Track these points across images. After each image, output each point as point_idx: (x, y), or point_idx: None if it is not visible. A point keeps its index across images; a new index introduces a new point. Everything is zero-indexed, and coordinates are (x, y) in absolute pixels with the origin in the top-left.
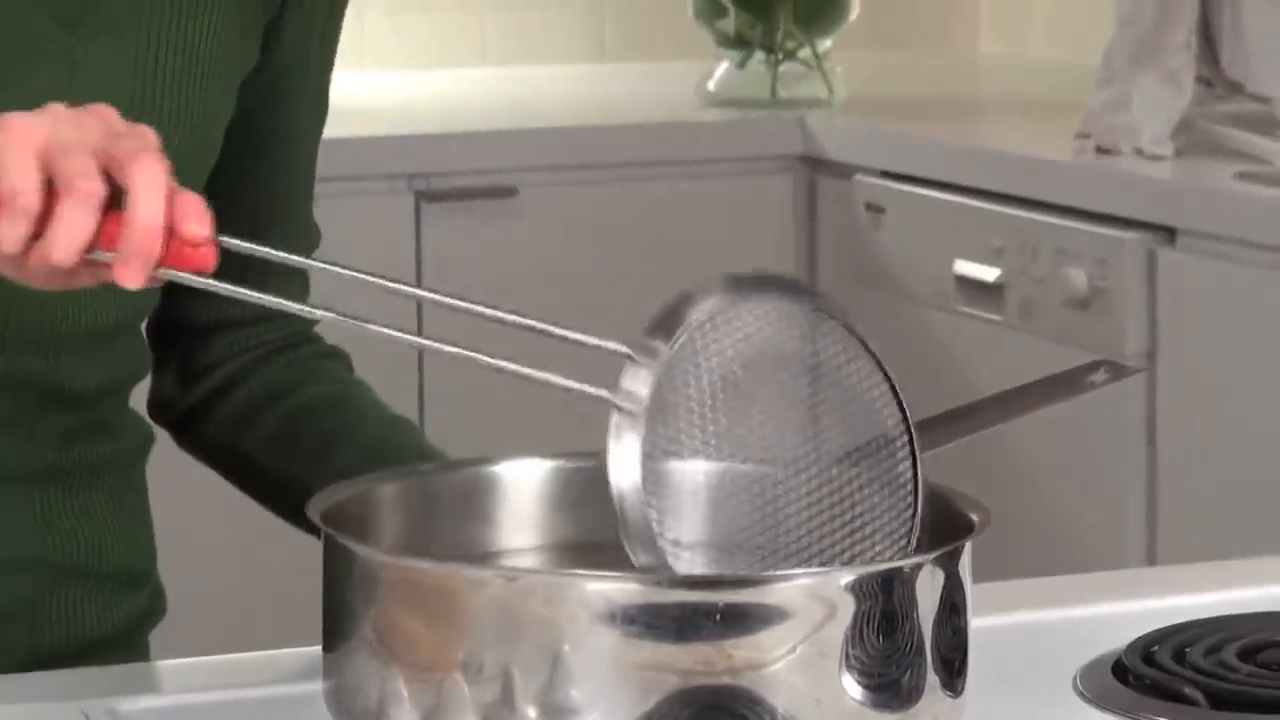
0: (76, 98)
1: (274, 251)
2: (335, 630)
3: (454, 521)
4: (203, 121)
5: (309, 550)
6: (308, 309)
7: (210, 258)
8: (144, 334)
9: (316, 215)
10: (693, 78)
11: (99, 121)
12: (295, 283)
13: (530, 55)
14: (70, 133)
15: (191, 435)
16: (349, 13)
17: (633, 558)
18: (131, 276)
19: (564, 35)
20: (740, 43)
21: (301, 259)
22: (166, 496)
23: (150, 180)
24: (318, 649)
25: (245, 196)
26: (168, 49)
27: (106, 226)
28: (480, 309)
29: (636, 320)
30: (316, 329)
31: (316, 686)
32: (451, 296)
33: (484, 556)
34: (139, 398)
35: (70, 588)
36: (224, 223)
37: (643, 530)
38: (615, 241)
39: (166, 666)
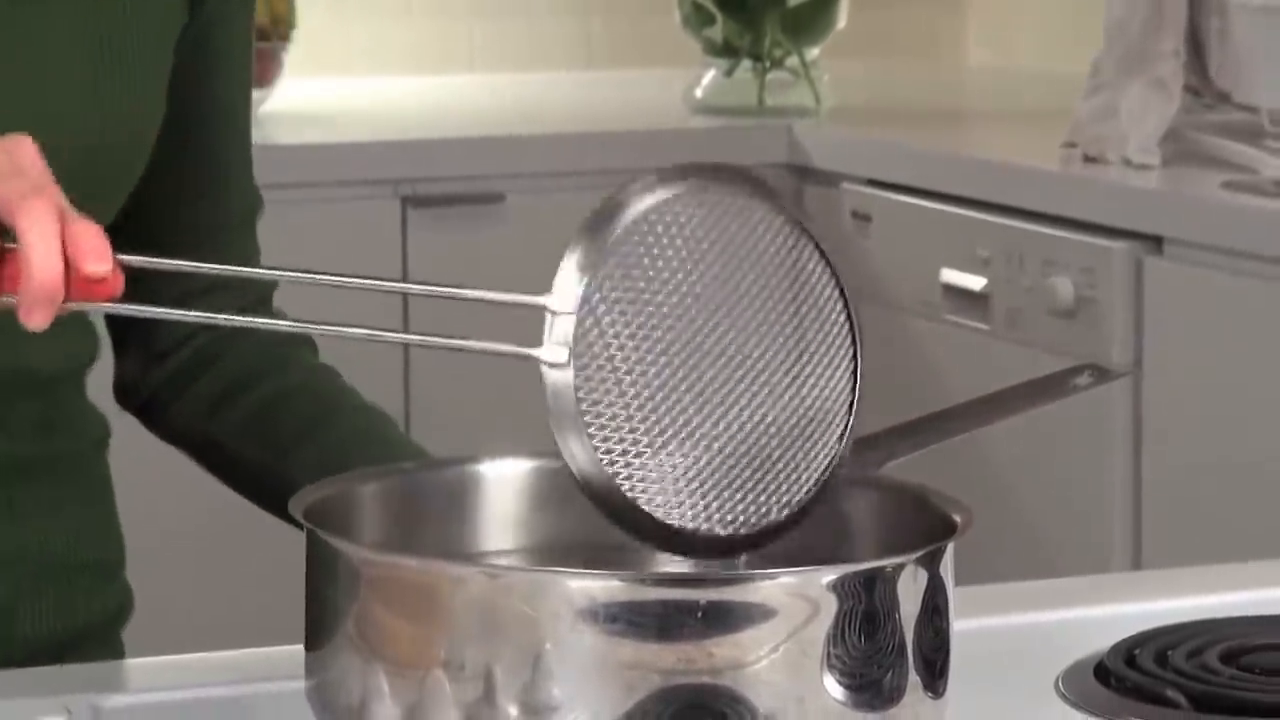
0: (23, 69)
1: (179, 262)
2: (318, 628)
3: (437, 519)
4: (148, 88)
5: (277, 543)
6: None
7: (116, 287)
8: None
9: (303, 220)
10: (680, 85)
11: None
12: (234, 252)
13: (518, 62)
14: None
15: (159, 419)
16: (334, 20)
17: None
18: (38, 321)
19: (552, 42)
20: (728, 51)
21: (209, 266)
22: (128, 491)
23: (40, 228)
24: (300, 647)
25: (184, 161)
26: (111, 16)
27: (6, 269)
28: (387, 284)
29: None
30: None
31: (299, 684)
32: (358, 277)
33: (467, 554)
34: (94, 389)
35: (46, 584)
36: (166, 189)
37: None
38: None
39: (149, 663)
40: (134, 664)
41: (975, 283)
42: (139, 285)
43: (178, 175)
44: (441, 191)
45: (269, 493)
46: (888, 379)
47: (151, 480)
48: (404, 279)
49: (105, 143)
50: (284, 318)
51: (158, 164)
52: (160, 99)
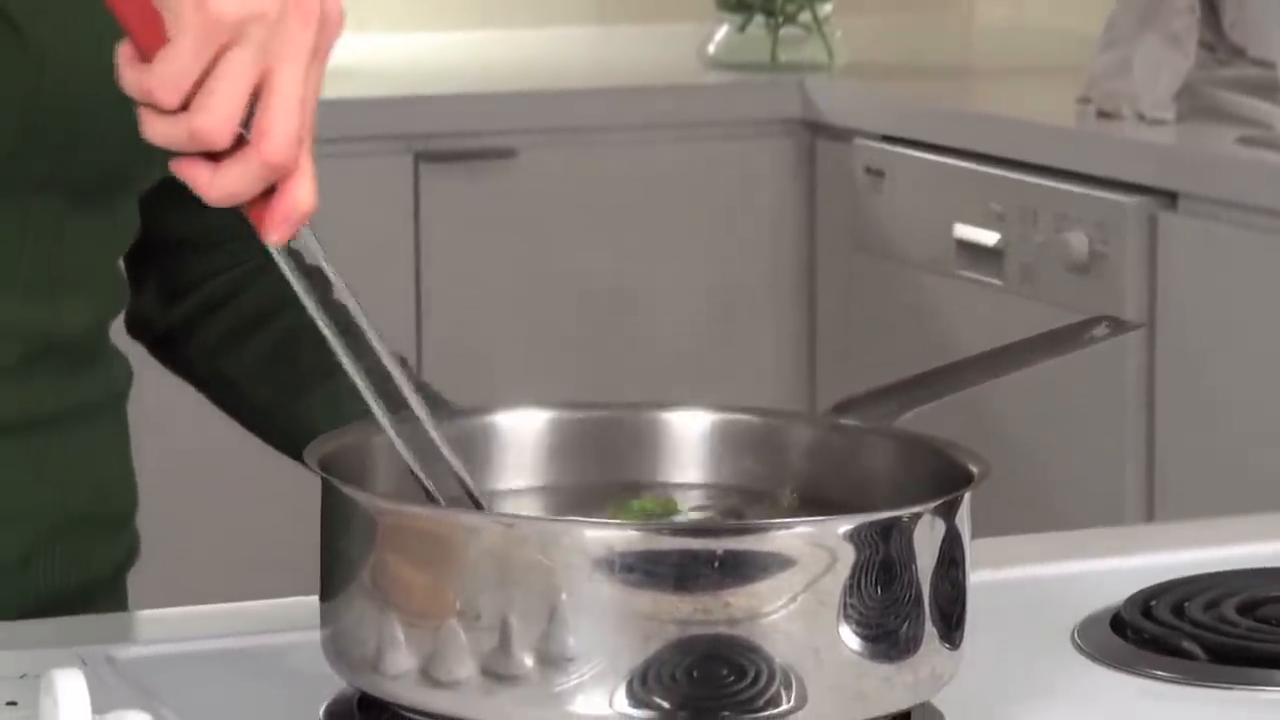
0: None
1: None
2: (332, 578)
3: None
4: None
5: (286, 489)
6: None
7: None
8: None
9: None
10: (693, 41)
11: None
12: None
13: (531, 17)
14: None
15: (172, 354)
16: None
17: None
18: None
19: None
20: (740, 6)
21: None
22: (137, 432)
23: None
24: (314, 597)
25: None
26: None
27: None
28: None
29: (631, 280)
30: None
31: (314, 634)
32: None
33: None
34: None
35: (67, 536)
36: None
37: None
38: (613, 204)
39: (163, 614)
40: (148, 615)
41: (989, 238)
42: (163, 225)
43: None
44: (454, 147)
45: (280, 433)
46: (900, 333)
47: (162, 421)
48: (416, 234)
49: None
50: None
51: None
52: None
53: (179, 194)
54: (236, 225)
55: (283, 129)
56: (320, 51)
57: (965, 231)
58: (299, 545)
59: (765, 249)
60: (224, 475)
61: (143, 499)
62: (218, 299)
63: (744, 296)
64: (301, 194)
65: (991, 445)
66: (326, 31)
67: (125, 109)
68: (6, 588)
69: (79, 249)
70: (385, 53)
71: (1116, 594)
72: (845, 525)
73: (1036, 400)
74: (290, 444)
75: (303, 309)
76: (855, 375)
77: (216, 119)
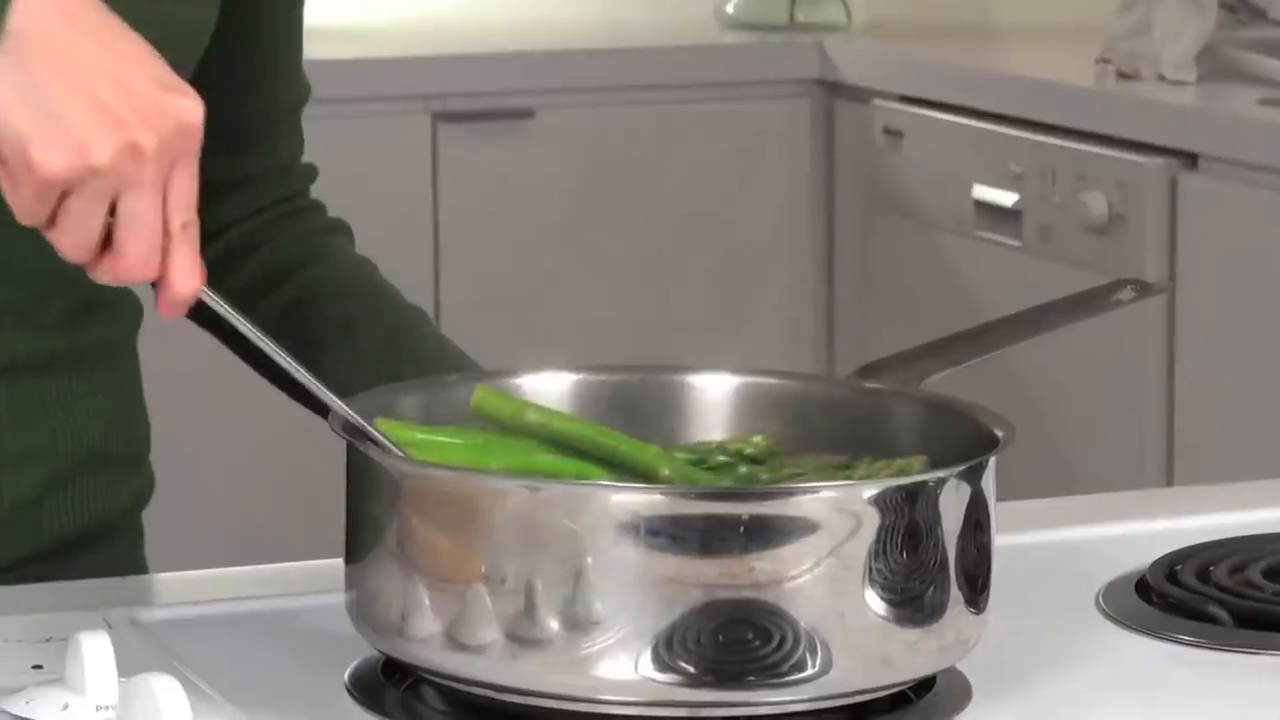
0: None
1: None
2: (358, 541)
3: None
4: None
5: (299, 433)
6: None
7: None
8: None
9: (334, 136)
10: (711, 1)
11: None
12: (283, 145)
13: None
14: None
15: (196, 305)
16: None
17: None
18: (168, 314)
19: None
20: None
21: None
22: (155, 373)
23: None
24: (339, 560)
25: (236, 49)
26: None
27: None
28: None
29: (649, 241)
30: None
31: (338, 597)
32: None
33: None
34: None
35: (80, 474)
36: (217, 78)
37: None
38: (631, 164)
39: (188, 577)
40: (172, 577)
41: (1007, 199)
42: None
43: (229, 63)
44: (471, 107)
45: (299, 386)
46: (918, 295)
47: (190, 368)
48: (434, 195)
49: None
50: (324, 210)
51: (208, 52)
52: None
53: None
54: (252, 170)
55: (132, 251)
56: (182, 158)
57: (984, 192)
58: (312, 499)
59: (783, 210)
60: (242, 421)
61: (165, 444)
62: (239, 250)
63: (762, 257)
64: (178, 284)
65: (1010, 408)
66: (184, 138)
67: None
68: (21, 525)
69: None
70: (403, 12)
71: (1141, 558)
72: (871, 490)
73: (1055, 362)
74: (312, 399)
75: (326, 262)
76: (873, 337)
77: (70, 248)
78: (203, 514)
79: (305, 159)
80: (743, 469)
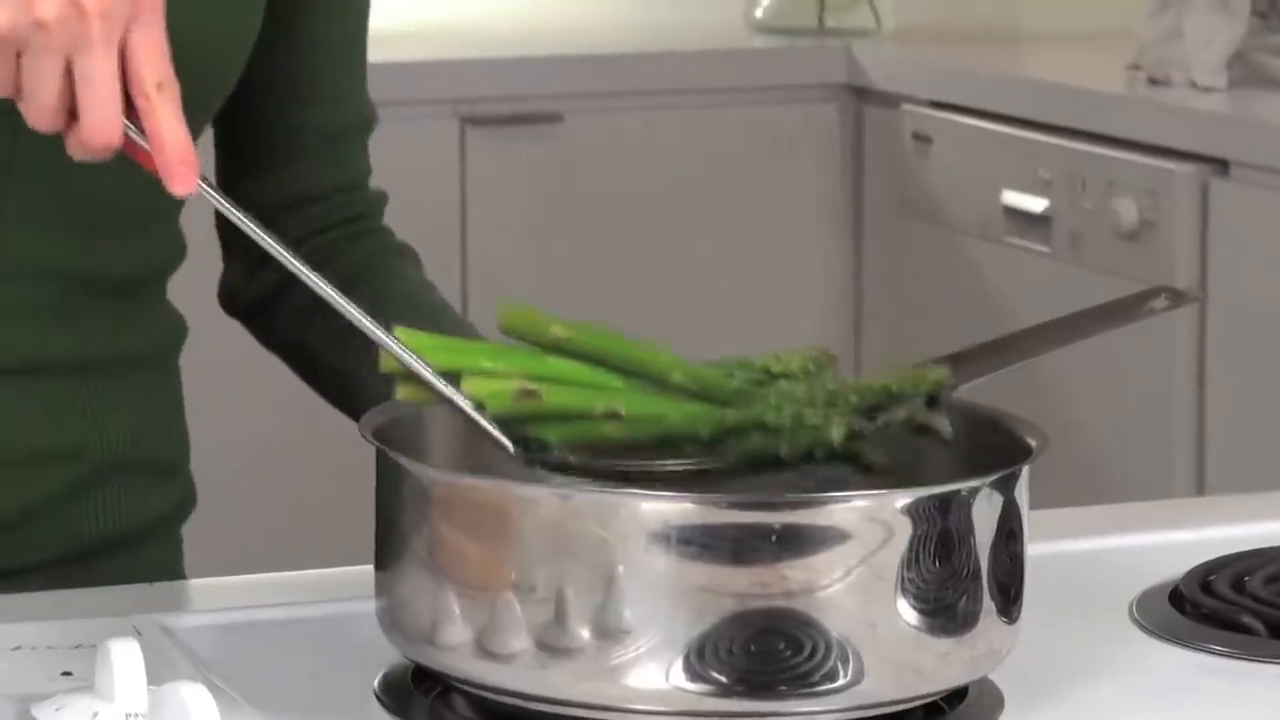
0: None
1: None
2: (388, 548)
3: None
4: None
5: (339, 448)
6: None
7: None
8: (180, 224)
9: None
10: (740, 5)
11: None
12: (348, 167)
13: None
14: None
15: (260, 327)
16: None
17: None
18: (182, 186)
19: None
20: None
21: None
22: (199, 389)
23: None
24: (369, 567)
25: (291, 65)
26: None
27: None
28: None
29: (677, 245)
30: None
31: (368, 605)
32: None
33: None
34: (175, 290)
35: (109, 479)
36: (273, 94)
37: None
38: (659, 168)
39: (218, 583)
40: (202, 583)
41: (1037, 205)
42: (245, 186)
43: (284, 79)
44: (500, 111)
45: (359, 406)
46: (947, 300)
47: (240, 385)
48: (462, 199)
49: (195, 34)
50: (392, 235)
51: (262, 70)
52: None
53: (256, 160)
54: (319, 186)
55: (89, 114)
56: (140, 19)
57: (1013, 198)
58: (357, 511)
59: (812, 215)
60: (287, 438)
61: (207, 458)
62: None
63: (790, 263)
64: (169, 145)
65: (1038, 416)
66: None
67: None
68: (51, 525)
69: (118, 191)
70: (432, 16)
71: (1174, 568)
72: (903, 499)
73: (1084, 370)
74: (354, 406)
75: (386, 281)
76: (901, 342)
77: (34, 115)
78: (242, 527)
79: None
80: (770, 392)
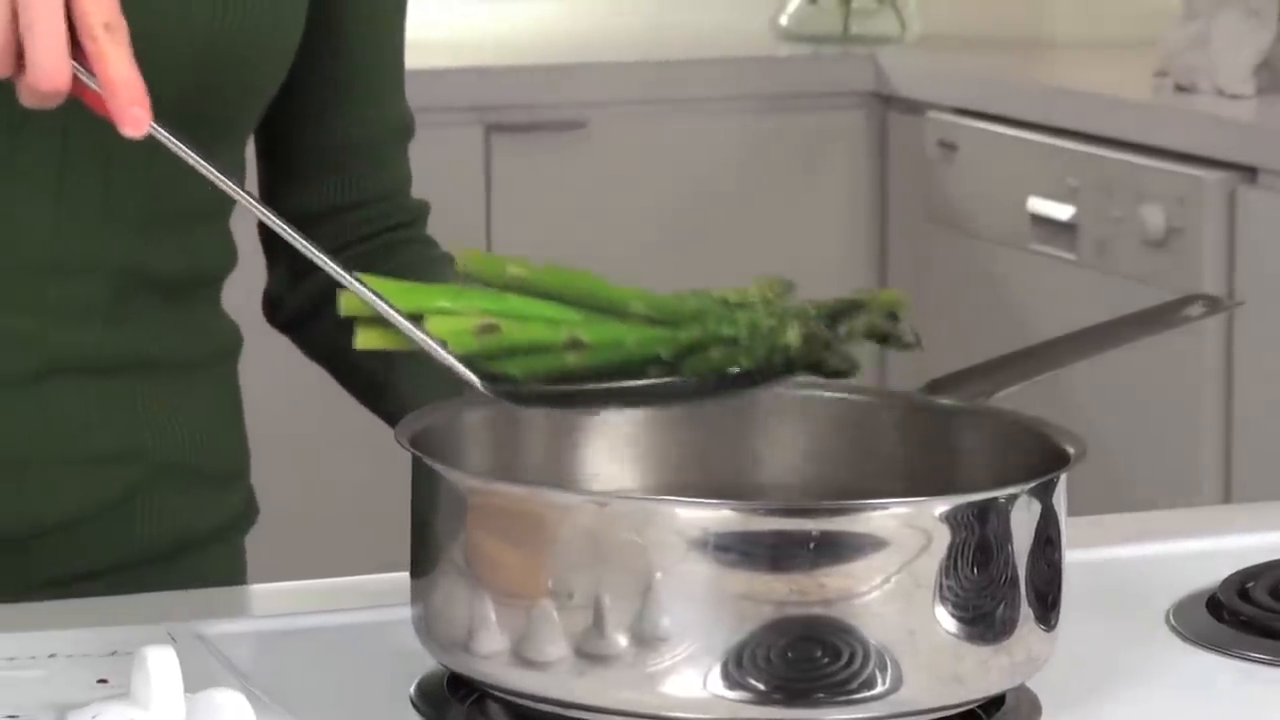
0: None
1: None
2: (423, 555)
3: (544, 446)
4: None
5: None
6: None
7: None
8: (230, 229)
9: None
10: (766, 13)
11: None
12: (387, 173)
13: None
14: None
15: (303, 336)
16: None
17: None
18: (134, 128)
19: None
20: None
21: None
22: (263, 400)
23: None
24: (405, 574)
25: (333, 74)
26: None
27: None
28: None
29: (702, 253)
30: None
31: (403, 612)
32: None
33: (575, 481)
34: (230, 300)
35: (165, 484)
36: (311, 104)
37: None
38: (684, 176)
39: (253, 590)
40: (238, 590)
41: (1063, 212)
42: (287, 195)
43: (326, 88)
44: (524, 118)
45: (396, 414)
46: (972, 308)
47: (299, 394)
48: (487, 206)
49: (235, 42)
50: (435, 244)
51: (302, 77)
52: (297, 6)
53: (297, 170)
54: (359, 194)
55: (36, 60)
56: None
57: (1039, 205)
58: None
59: (837, 222)
60: (345, 447)
61: (266, 467)
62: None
63: (815, 269)
64: (120, 87)
65: (1064, 423)
66: None
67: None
68: (110, 530)
69: (166, 189)
70: (457, 23)
71: (1211, 575)
72: (942, 506)
73: (1112, 377)
74: (388, 409)
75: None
76: (926, 350)
77: None
78: (301, 538)
79: None
80: (721, 320)
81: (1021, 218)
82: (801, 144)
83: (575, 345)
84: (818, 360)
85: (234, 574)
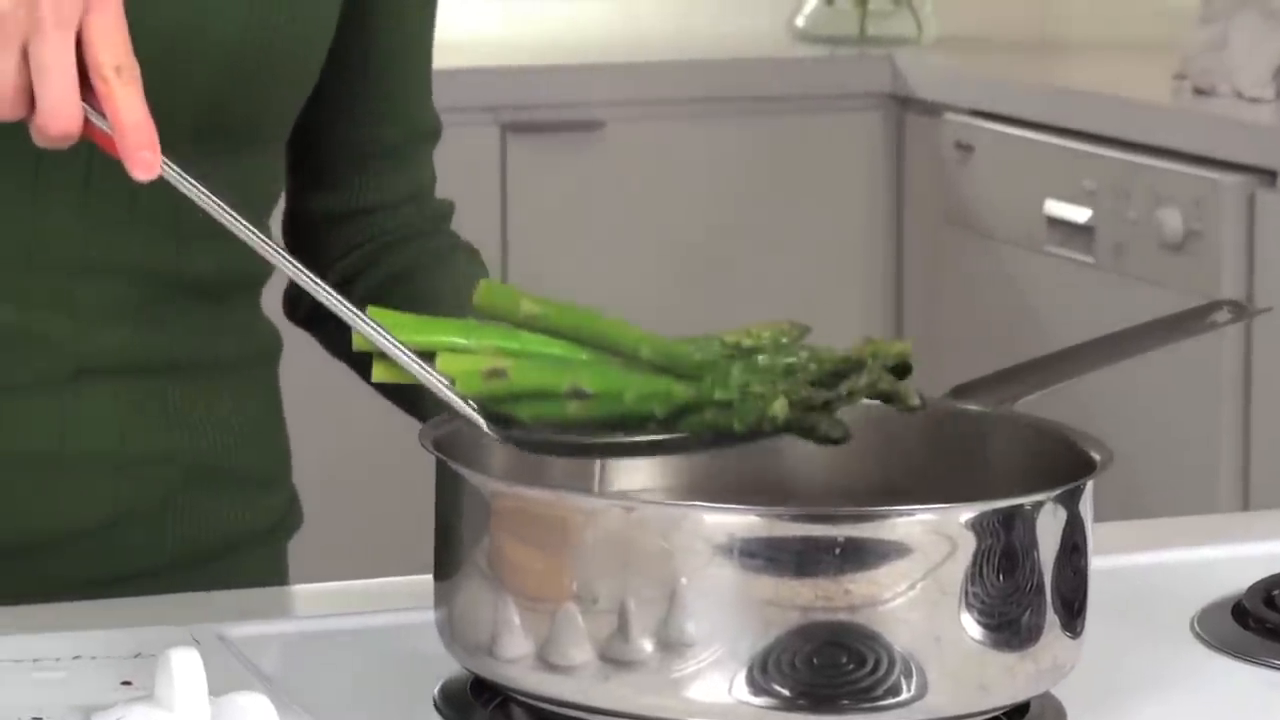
0: None
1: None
2: (447, 558)
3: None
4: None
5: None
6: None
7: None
8: (271, 231)
9: None
10: (782, 14)
11: None
12: (409, 175)
13: None
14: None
15: (323, 333)
16: None
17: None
18: (144, 171)
19: None
20: None
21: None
22: (310, 406)
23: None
24: (428, 577)
25: (362, 79)
26: None
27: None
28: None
29: (718, 254)
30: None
31: (427, 615)
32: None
33: (599, 485)
34: (271, 305)
35: (199, 486)
36: (340, 108)
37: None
38: (701, 177)
39: (276, 592)
40: (260, 593)
41: (1080, 215)
42: (311, 198)
43: (354, 93)
44: (541, 119)
45: (418, 408)
46: (988, 310)
47: (337, 400)
48: (503, 207)
49: (267, 47)
50: (458, 237)
51: (330, 78)
52: (326, 12)
53: (322, 173)
54: (383, 197)
55: (43, 99)
56: (95, 4)
57: (1056, 208)
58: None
59: (853, 224)
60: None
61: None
62: (353, 270)
63: (831, 272)
64: (129, 128)
65: (1083, 428)
66: None
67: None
68: (147, 532)
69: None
70: (473, 23)
71: (1235, 582)
72: (968, 513)
73: (1130, 383)
74: (417, 410)
75: (441, 273)
76: (943, 352)
77: None
78: (344, 543)
79: None
80: (733, 366)
81: (1038, 220)
82: (818, 146)
83: (577, 394)
84: (810, 426)
85: (274, 579)
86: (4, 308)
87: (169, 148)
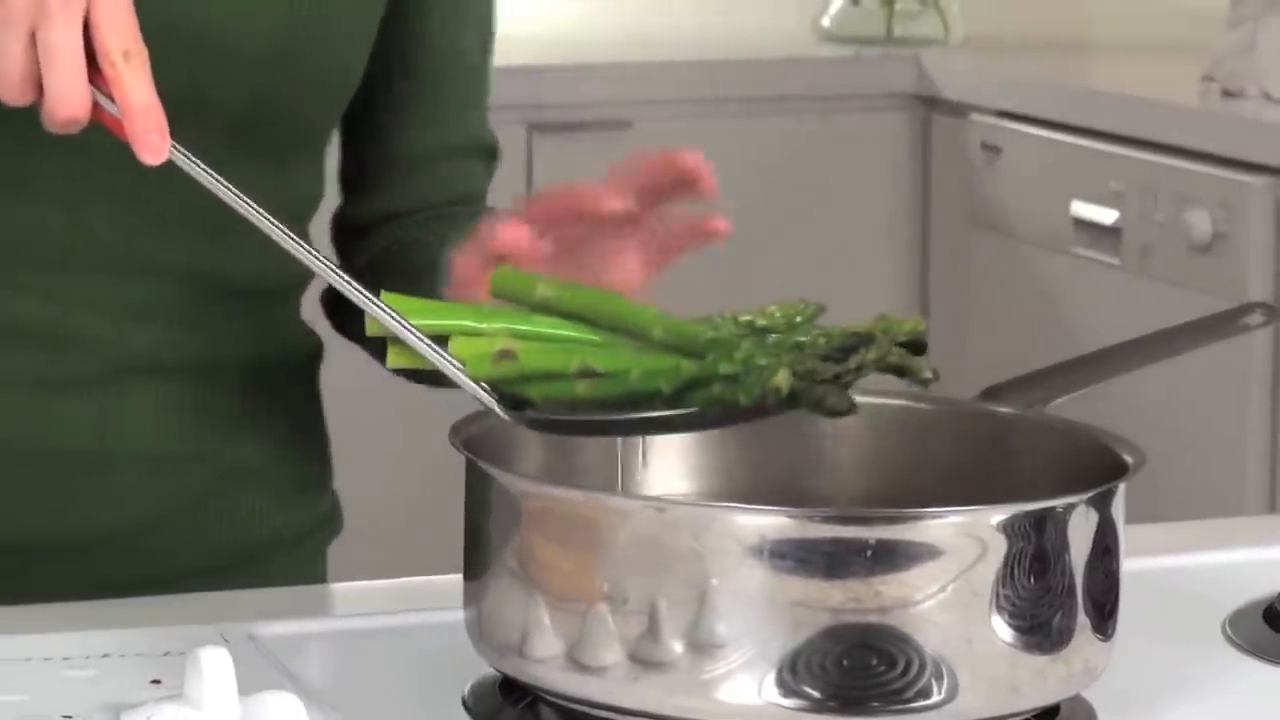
0: None
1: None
2: (477, 558)
3: (599, 449)
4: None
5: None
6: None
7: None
8: (310, 236)
9: None
10: (809, 14)
11: None
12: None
13: None
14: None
15: (339, 318)
16: None
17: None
18: (152, 155)
19: None
20: None
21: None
22: (353, 414)
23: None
24: (458, 577)
25: (407, 86)
26: None
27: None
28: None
29: (744, 254)
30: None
31: (455, 614)
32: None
33: (630, 485)
34: (316, 311)
35: (237, 488)
36: (386, 114)
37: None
38: (727, 177)
39: (305, 591)
40: (290, 592)
41: (1107, 216)
42: (355, 201)
43: (395, 100)
44: (568, 118)
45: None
46: (1015, 311)
47: (379, 405)
48: None
49: (306, 47)
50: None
51: (376, 78)
52: (368, 9)
53: (367, 174)
54: (412, 202)
55: (52, 85)
56: None
57: (1083, 209)
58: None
59: (879, 225)
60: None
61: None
62: (387, 260)
63: (857, 272)
64: (137, 112)
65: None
66: None
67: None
68: (184, 534)
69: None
70: (500, 22)
71: (1266, 585)
72: (999, 515)
73: (1157, 385)
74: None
75: (427, 227)
76: (969, 353)
77: (1, 88)
78: (384, 547)
79: None
80: (744, 343)
81: (1065, 221)
82: (844, 146)
83: (586, 374)
84: (816, 399)
85: (312, 584)
86: (45, 307)
87: (207, 146)
